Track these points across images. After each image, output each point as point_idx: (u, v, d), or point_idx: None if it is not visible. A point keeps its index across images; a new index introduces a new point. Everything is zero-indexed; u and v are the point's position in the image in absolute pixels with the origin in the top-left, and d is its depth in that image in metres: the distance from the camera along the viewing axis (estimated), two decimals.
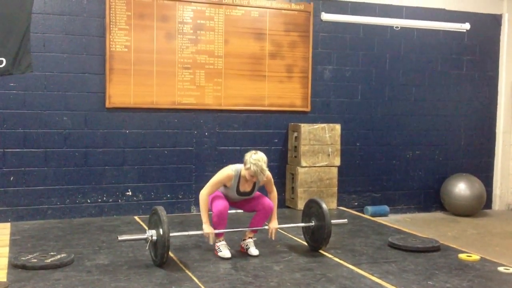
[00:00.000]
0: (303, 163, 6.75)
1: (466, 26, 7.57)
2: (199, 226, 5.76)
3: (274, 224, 4.73)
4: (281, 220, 6.11)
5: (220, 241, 4.63)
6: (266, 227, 4.81)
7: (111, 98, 6.18)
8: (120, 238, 4.36)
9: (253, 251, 4.68)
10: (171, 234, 4.23)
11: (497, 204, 8.05)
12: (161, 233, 4.20)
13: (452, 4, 7.61)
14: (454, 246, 5.24)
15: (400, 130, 7.54)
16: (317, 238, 4.82)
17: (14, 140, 5.91)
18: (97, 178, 6.23)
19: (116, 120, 6.26)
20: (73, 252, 4.56)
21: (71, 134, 6.11)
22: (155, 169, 6.44)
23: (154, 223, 4.37)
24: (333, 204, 6.92)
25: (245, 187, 4.60)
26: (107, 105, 6.18)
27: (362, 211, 7.20)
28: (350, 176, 7.26)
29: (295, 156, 6.86)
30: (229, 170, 4.54)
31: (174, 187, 6.54)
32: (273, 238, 4.74)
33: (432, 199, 7.74)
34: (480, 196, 7.39)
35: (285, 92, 6.88)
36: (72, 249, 4.73)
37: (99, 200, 6.25)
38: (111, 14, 6.12)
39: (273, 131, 6.87)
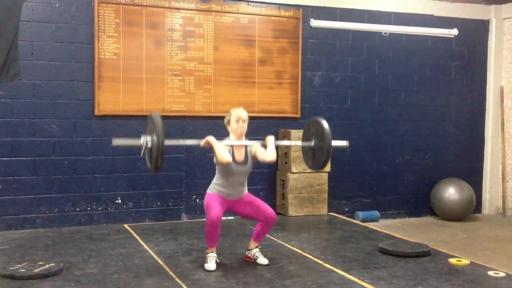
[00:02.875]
0: (294, 169, 6.75)
1: (454, 31, 7.62)
2: (190, 233, 5.78)
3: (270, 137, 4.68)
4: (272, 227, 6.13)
5: (211, 252, 4.58)
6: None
7: (100, 105, 6.16)
8: (114, 141, 4.28)
9: (263, 260, 4.64)
10: (165, 143, 4.16)
11: (486, 208, 8.09)
12: (156, 138, 4.12)
13: (440, 10, 7.67)
14: (444, 250, 5.26)
15: (390, 136, 7.57)
16: (317, 158, 4.73)
17: (2, 149, 5.86)
18: (86, 186, 6.19)
19: (106, 128, 6.23)
20: (62, 261, 4.53)
21: (60, 142, 6.08)
22: (145, 176, 6.41)
23: (149, 130, 4.31)
24: (324, 210, 6.92)
25: (239, 156, 4.53)
26: (96, 112, 6.15)
27: (352, 217, 7.21)
28: (340, 181, 7.27)
29: (285, 162, 6.86)
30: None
31: (164, 194, 6.51)
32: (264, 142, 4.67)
33: (422, 204, 7.76)
34: (470, 200, 7.42)
35: (275, 98, 6.89)
36: (61, 258, 4.69)
37: (88, 208, 6.21)
38: (99, 22, 6.11)
39: (263, 138, 6.84)
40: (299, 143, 4.97)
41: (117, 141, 4.31)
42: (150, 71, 6.32)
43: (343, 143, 4.99)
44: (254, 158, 4.63)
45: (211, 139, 4.46)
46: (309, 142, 4.79)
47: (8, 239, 5.46)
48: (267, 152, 4.57)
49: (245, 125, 4.57)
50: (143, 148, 4.28)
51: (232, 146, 4.54)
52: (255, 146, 4.62)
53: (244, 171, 4.58)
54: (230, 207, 4.64)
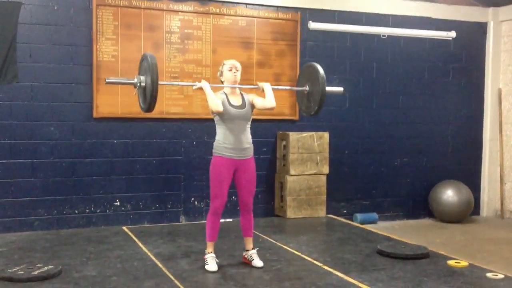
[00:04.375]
0: (292, 172, 6.75)
1: (452, 34, 7.63)
2: (188, 236, 5.78)
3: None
4: (270, 229, 6.15)
5: (209, 253, 4.59)
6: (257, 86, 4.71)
7: (99, 108, 6.16)
8: (107, 79, 4.30)
9: (257, 262, 4.62)
10: (160, 83, 4.18)
11: (485, 211, 8.10)
12: (150, 80, 4.12)
13: (438, 12, 7.68)
14: (443, 252, 5.26)
15: (388, 138, 7.58)
16: (311, 103, 4.72)
17: (0, 151, 5.85)
18: (85, 188, 6.19)
19: (104, 130, 6.23)
20: (60, 264, 4.52)
21: (58, 144, 6.07)
22: (143, 179, 6.41)
23: (143, 70, 4.29)
24: (322, 212, 6.92)
25: (236, 101, 4.52)
26: (95, 115, 6.15)
27: (351, 219, 7.20)
28: (339, 184, 7.27)
29: (284, 165, 6.86)
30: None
31: (162, 196, 6.51)
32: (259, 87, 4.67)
33: (420, 206, 7.76)
34: (468, 202, 7.43)
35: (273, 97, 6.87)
36: (59, 261, 4.68)
37: (87, 210, 6.20)
38: (98, 24, 6.11)
39: (261, 140, 6.87)
40: (294, 88, 4.93)
41: (110, 79, 4.33)
42: None
43: (338, 89, 4.98)
44: (253, 106, 4.60)
45: (204, 85, 4.45)
46: (304, 87, 4.77)
47: (6, 241, 5.46)
48: (266, 99, 4.56)
49: (238, 74, 4.57)
50: (137, 87, 4.27)
51: (227, 95, 4.52)
52: (252, 94, 4.64)
53: (243, 115, 4.51)
54: (235, 171, 4.51)
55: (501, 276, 4.43)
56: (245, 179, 4.57)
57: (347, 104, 7.32)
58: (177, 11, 6.44)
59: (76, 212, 6.16)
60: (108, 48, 6.16)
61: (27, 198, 5.97)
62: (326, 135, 6.96)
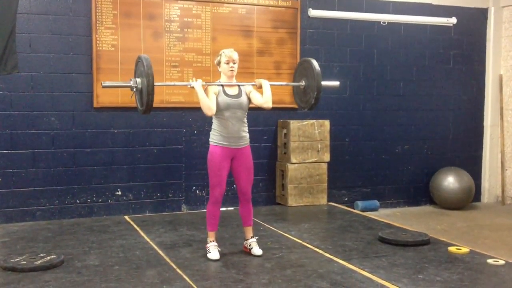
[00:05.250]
0: (293, 160, 6.75)
1: (453, 20, 7.60)
2: (190, 225, 5.80)
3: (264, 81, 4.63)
4: (271, 217, 6.17)
5: (211, 241, 4.61)
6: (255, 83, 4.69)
7: (99, 97, 6.15)
8: (104, 83, 4.31)
9: (256, 251, 4.64)
10: (156, 84, 4.18)
11: (486, 197, 8.11)
12: (146, 82, 4.13)
13: None
14: (444, 239, 5.28)
15: (389, 125, 7.57)
16: (307, 98, 4.73)
17: (1, 142, 5.86)
18: (86, 178, 6.20)
19: (104, 120, 6.23)
20: (62, 253, 4.54)
21: (59, 134, 6.07)
22: (145, 168, 6.42)
23: (139, 72, 4.30)
24: (324, 200, 6.94)
25: (232, 91, 4.50)
26: (95, 104, 6.15)
27: (352, 206, 7.22)
28: (339, 171, 7.28)
29: (285, 153, 6.86)
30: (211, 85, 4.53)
31: (164, 186, 6.52)
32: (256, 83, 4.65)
33: (421, 193, 7.78)
34: (469, 189, 7.44)
35: (273, 89, 6.83)
36: (61, 250, 4.70)
37: (89, 200, 6.22)
38: (97, 13, 6.09)
39: (262, 128, 6.87)
40: (291, 84, 4.94)
41: (106, 83, 4.33)
42: None
43: (334, 83, 4.98)
44: (249, 98, 4.57)
45: (197, 87, 4.40)
46: (300, 82, 4.76)
47: (8, 231, 5.48)
48: (263, 97, 4.53)
49: (236, 66, 4.52)
50: (134, 90, 4.26)
51: (223, 85, 4.50)
52: (248, 87, 4.60)
53: (239, 103, 4.48)
54: (232, 159, 4.53)
55: (502, 262, 4.44)
56: (242, 167, 4.56)
57: (347, 92, 7.30)
58: (176, 0, 6.41)
59: (78, 202, 6.18)
60: (107, 38, 6.14)
61: (29, 189, 5.98)
62: (327, 123, 6.95)
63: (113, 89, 6.12)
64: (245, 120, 4.57)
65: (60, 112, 6.07)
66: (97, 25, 6.09)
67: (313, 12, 6.99)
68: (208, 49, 6.57)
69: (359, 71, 7.36)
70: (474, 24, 7.92)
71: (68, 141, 6.11)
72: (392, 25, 7.40)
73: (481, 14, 7.95)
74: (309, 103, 4.76)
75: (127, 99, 6.23)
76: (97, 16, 6.09)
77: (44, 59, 5.97)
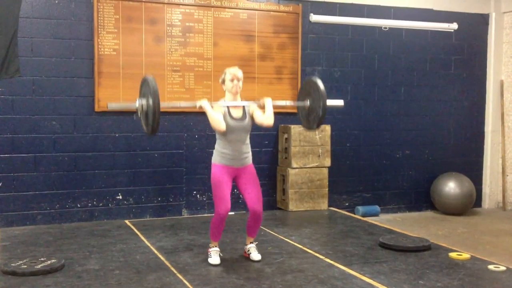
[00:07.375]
0: (294, 165, 6.76)
1: (454, 26, 7.61)
2: (190, 229, 5.79)
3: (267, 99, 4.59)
4: (272, 222, 6.17)
5: (213, 246, 4.61)
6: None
7: (100, 101, 6.16)
8: (109, 105, 4.32)
9: (255, 256, 4.63)
10: (162, 105, 4.13)
11: (486, 203, 8.10)
12: (151, 101, 4.08)
13: (439, 4, 7.65)
14: (445, 245, 5.27)
15: (390, 130, 7.57)
16: (312, 118, 4.70)
17: (2, 145, 5.87)
18: (87, 182, 6.20)
19: (106, 124, 6.24)
20: (63, 258, 4.54)
21: (60, 138, 6.08)
22: (145, 172, 6.42)
23: (143, 94, 4.27)
24: (324, 205, 6.93)
25: (236, 113, 4.49)
26: (96, 108, 6.16)
27: (353, 212, 7.22)
28: (340, 176, 7.28)
29: (286, 158, 6.87)
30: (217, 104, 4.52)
31: (164, 190, 6.52)
32: (260, 102, 4.61)
33: (422, 198, 7.77)
34: (470, 194, 7.43)
35: (275, 93, 6.86)
36: (62, 255, 4.70)
37: (89, 204, 6.22)
38: (99, 18, 6.10)
39: (263, 133, 6.87)
40: (295, 103, 4.88)
41: (112, 105, 4.30)
42: (149, 67, 6.31)
43: (339, 102, 4.95)
44: (253, 118, 4.56)
45: (204, 105, 4.40)
46: (305, 102, 4.75)
47: (9, 235, 5.48)
48: (265, 115, 4.51)
49: (240, 83, 4.52)
50: (139, 112, 4.22)
51: (228, 106, 4.49)
52: (252, 106, 4.58)
53: (243, 127, 4.49)
54: (235, 178, 4.54)
55: (503, 268, 4.44)
56: (248, 184, 4.54)
57: (348, 97, 7.30)
58: (178, 4, 6.43)
59: (79, 206, 6.18)
60: (109, 42, 6.16)
61: (30, 192, 5.98)
62: (327, 128, 6.96)
63: (114, 92, 6.14)
64: (248, 141, 4.60)
65: (62, 116, 6.08)
66: (99, 29, 6.11)
67: (315, 17, 7.00)
68: (209, 54, 6.58)
69: (360, 76, 7.37)
70: (475, 29, 7.93)
71: (69, 145, 6.11)
72: (393, 30, 7.41)
73: (482, 20, 7.96)
74: (314, 123, 4.67)
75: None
76: (99, 21, 6.10)
77: (46, 63, 5.99)
